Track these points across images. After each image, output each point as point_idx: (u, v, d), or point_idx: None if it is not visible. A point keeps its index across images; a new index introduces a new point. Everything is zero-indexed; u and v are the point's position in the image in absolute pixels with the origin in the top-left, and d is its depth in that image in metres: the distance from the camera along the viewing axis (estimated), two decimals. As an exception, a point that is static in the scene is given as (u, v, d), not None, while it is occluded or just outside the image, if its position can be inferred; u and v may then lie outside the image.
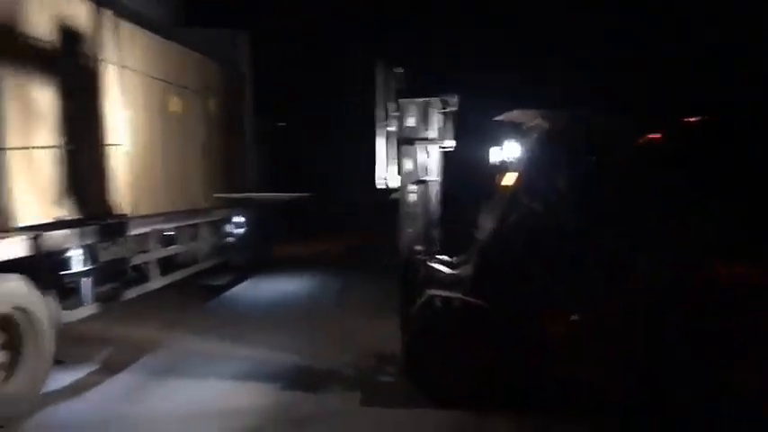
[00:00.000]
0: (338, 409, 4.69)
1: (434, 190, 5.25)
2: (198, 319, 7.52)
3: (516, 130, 5.01)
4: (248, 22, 10.24)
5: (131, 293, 6.51)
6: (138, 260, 6.73)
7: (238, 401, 4.88)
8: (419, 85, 5.38)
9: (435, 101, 5.17)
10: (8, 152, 4.71)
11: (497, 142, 5.28)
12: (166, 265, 7.43)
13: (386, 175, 5.39)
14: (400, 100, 5.23)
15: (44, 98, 5.20)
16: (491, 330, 4.50)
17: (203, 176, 8.38)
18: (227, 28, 9.87)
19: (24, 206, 4.87)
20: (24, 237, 4.71)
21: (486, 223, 4.90)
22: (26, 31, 5.02)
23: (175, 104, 7.67)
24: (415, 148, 5.17)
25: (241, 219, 9.78)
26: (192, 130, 8.10)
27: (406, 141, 5.19)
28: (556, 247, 4.46)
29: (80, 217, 5.55)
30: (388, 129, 5.33)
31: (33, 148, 4.98)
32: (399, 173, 5.29)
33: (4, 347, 4.62)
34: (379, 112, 5.33)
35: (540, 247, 4.52)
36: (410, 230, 5.19)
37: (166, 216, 7.26)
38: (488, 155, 5.43)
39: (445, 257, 5.31)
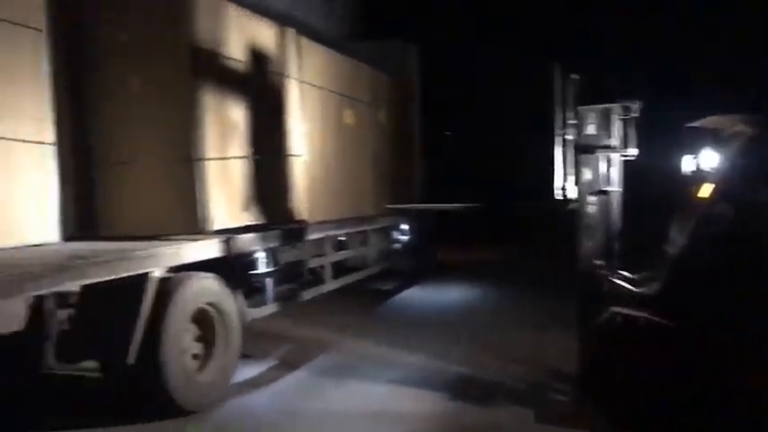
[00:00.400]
0: (510, 425, 4.59)
1: (615, 201, 4.96)
2: (367, 322, 7.76)
3: (714, 137, 4.61)
4: (418, 31, 10.38)
5: (307, 295, 6.89)
6: (313, 263, 7.11)
7: (406, 406, 4.95)
8: (597, 92, 5.13)
9: (616, 107, 4.89)
10: (206, 162, 5.20)
11: (689, 150, 4.89)
12: (338, 268, 7.78)
13: (564, 185, 5.20)
14: (579, 107, 5.00)
15: (236, 113, 5.68)
16: (680, 352, 4.18)
17: (373, 185, 8.66)
18: (397, 39, 10.12)
19: (218, 211, 5.34)
20: (218, 239, 5.15)
21: (678, 238, 4.55)
22: (223, 52, 5.53)
23: (348, 116, 8.02)
24: (596, 157, 4.91)
25: (408, 226, 9.98)
26: (363, 141, 8.42)
27: (585, 150, 4.95)
28: (758, 263, 4.05)
29: (264, 222, 5.97)
30: (566, 137, 5.14)
31: (227, 158, 5.45)
32: (577, 183, 5.08)
33: (199, 340, 5.06)
34: (557, 120, 5.16)
35: (741, 263, 4.13)
36: (589, 243, 4.94)
37: (339, 222, 7.60)
38: (679, 164, 5.05)
39: (626, 273, 4.98)
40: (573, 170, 5.09)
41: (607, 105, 4.91)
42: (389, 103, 9.32)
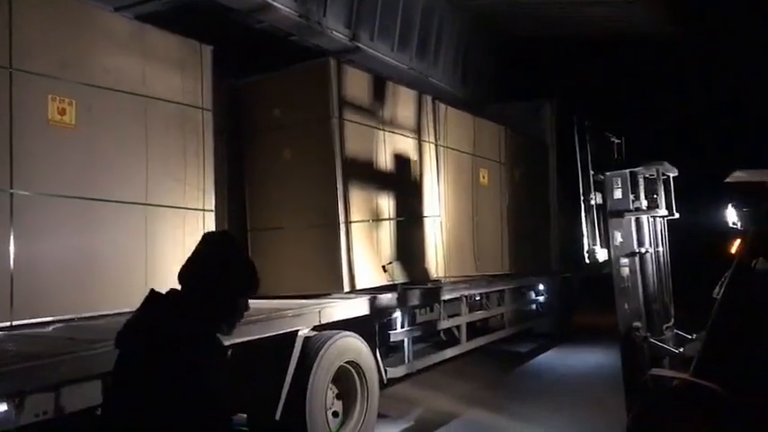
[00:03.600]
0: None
1: (650, 262, 4.97)
2: (499, 389, 7.47)
3: (742, 191, 4.45)
4: (554, 92, 10.32)
5: (443, 355, 6.88)
6: (447, 324, 7.11)
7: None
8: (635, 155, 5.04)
9: (643, 170, 4.99)
10: (350, 225, 5.45)
11: (725, 206, 4.72)
12: (474, 329, 7.71)
13: (592, 248, 5.17)
14: (605, 174, 5.18)
15: (377, 176, 5.94)
16: (723, 416, 3.81)
17: (509, 244, 8.58)
18: (534, 99, 10.12)
19: (360, 272, 5.54)
20: (361, 299, 5.33)
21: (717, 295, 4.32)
22: (365, 121, 5.86)
23: (482, 176, 8.07)
24: (627, 220, 4.96)
25: (544, 287, 9.73)
26: (497, 201, 8.41)
27: (614, 214, 5.04)
28: None
29: (402, 281, 6.11)
30: (590, 202, 5.15)
31: (369, 221, 5.68)
32: (608, 246, 5.13)
33: (339, 398, 5.19)
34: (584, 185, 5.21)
35: None
36: (626, 306, 4.90)
37: (474, 282, 7.58)
38: (715, 220, 4.90)
39: (682, 333, 4.89)
40: (600, 233, 5.16)
41: (634, 169, 5.00)
42: (524, 163, 9.27)
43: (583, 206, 6.44)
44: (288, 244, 5.64)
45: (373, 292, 5.58)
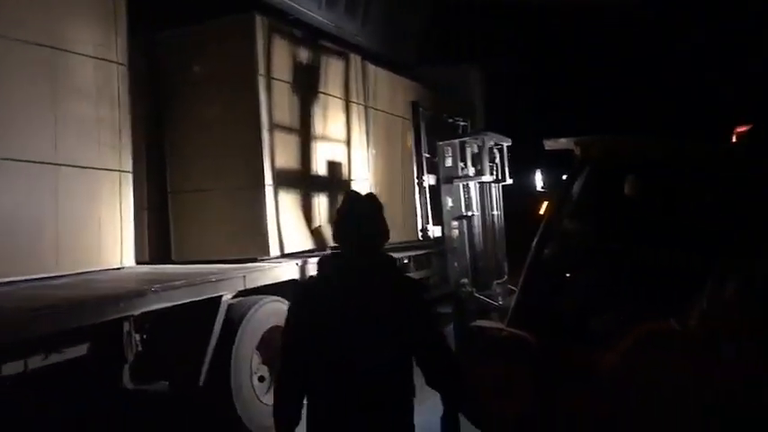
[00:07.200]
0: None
1: (477, 224, 5.44)
2: None
3: (555, 157, 4.70)
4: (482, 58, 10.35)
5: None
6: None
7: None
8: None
9: (470, 140, 5.43)
10: (275, 189, 5.32)
11: (540, 171, 5.28)
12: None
13: (426, 226, 6.12)
14: (437, 143, 5.67)
15: (304, 139, 5.80)
16: (531, 362, 4.08)
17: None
18: (463, 64, 10.09)
19: (286, 236, 5.44)
20: (287, 263, 5.23)
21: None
22: (292, 81, 5.68)
23: (410, 140, 8.03)
24: (457, 186, 5.38)
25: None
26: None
27: (446, 180, 5.50)
28: (593, 276, 4.14)
29: (329, 246, 6.03)
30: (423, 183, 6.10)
31: (296, 184, 5.56)
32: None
33: (265, 363, 5.12)
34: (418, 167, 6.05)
35: (576, 276, 4.27)
36: (456, 264, 5.41)
37: (403, 246, 7.57)
38: (534, 184, 5.38)
39: (515, 288, 5.15)
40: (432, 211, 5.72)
41: (462, 139, 5.51)
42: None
43: (417, 188, 6.83)
44: (211, 207, 5.44)
45: (302, 256, 5.49)
